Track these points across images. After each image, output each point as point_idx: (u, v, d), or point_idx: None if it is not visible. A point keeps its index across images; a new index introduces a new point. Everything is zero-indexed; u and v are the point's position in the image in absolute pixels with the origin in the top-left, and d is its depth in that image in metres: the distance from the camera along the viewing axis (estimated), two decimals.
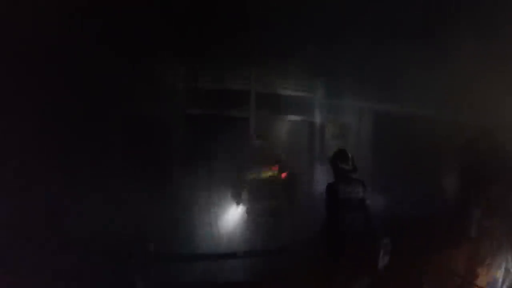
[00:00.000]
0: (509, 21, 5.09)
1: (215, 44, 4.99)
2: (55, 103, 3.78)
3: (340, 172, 4.04)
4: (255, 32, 5.04)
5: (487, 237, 4.18)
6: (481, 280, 3.80)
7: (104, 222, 3.70)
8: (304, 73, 6.34)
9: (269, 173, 5.46)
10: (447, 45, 5.59)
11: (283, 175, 5.56)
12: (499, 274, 3.89)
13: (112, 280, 3.09)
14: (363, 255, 3.86)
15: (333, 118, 6.65)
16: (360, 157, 6.38)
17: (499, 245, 4.11)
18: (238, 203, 5.22)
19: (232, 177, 5.31)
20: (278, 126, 6.19)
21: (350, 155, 4.16)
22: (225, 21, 5.03)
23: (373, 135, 6.60)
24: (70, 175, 3.86)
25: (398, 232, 4.10)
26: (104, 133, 4.33)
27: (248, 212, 5.14)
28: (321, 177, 5.37)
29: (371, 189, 5.57)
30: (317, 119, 6.57)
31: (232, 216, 5.06)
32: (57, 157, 3.78)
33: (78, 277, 3.05)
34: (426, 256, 4.09)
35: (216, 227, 4.77)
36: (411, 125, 5.99)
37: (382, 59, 5.71)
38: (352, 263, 3.81)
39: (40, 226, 3.30)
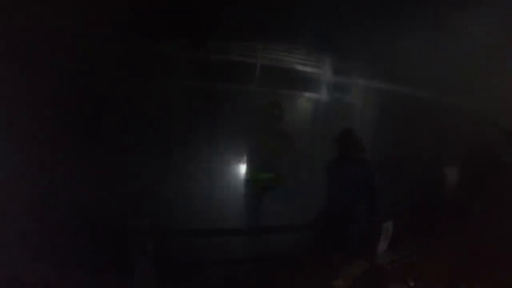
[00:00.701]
0: None
1: (220, 16, 4.79)
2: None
3: (345, 151, 3.97)
4: (261, 5, 4.85)
5: (486, 230, 4.17)
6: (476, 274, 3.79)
7: (97, 195, 3.66)
8: (311, 48, 6.15)
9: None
10: (457, 24, 5.45)
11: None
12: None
13: (106, 258, 3.04)
14: (362, 238, 3.85)
15: (340, 96, 6.51)
16: (364, 138, 6.40)
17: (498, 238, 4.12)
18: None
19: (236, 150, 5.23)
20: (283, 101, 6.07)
21: (357, 134, 4.09)
22: None
23: (379, 115, 6.49)
24: (61, 145, 3.76)
25: (399, 217, 4.08)
26: (101, 104, 4.21)
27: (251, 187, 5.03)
28: (324, 156, 5.33)
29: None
30: (324, 96, 6.42)
31: (234, 190, 4.98)
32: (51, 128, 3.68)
33: (69, 254, 3.00)
34: (425, 240, 4.09)
35: (217, 201, 4.74)
36: (418, 108, 5.91)
37: (391, 35, 5.53)
38: (350, 245, 3.80)
39: (30, 201, 3.28)
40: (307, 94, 6.35)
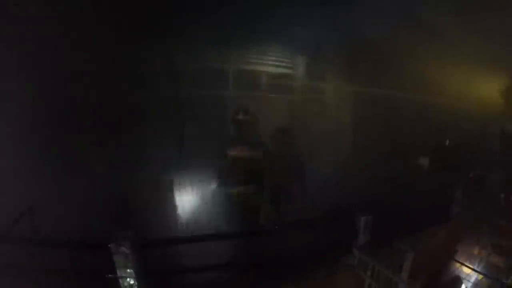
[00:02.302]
0: None
1: (193, 22, 4.85)
2: None
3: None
4: (234, 8, 4.93)
5: (467, 216, 4.29)
6: (460, 256, 3.89)
7: (82, 208, 3.63)
8: (283, 50, 6.24)
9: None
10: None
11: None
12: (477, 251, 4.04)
13: (91, 270, 3.01)
14: None
15: (313, 96, 6.58)
16: (341, 135, 6.48)
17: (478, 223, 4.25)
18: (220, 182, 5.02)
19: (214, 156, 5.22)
20: (257, 104, 6.09)
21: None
22: None
23: (354, 113, 6.58)
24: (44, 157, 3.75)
25: (380, 210, 4.14)
26: (83, 115, 4.18)
27: (230, 191, 5.02)
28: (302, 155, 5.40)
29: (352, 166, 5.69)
30: (297, 96, 6.48)
31: (215, 196, 4.95)
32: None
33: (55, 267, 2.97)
34: (408, 233, 4.15)
35: (198, 208, 4.71)
36: (393, 105, 6.04)
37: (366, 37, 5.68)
38: None
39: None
40: (281, 96, 6.38)
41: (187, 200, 4.79)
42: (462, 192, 4.69)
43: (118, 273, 2.92)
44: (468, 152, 5.33)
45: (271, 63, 6.17)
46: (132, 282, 2.93)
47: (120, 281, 2.90)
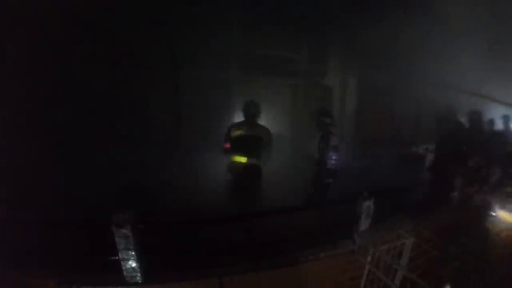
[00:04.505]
0: None
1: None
2: None
3: (323, 125, 4.34)
4: None
5: (467, 204, 4.31)
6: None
7: (80, 190, 3.57)
8: (288, 34, 6.12)
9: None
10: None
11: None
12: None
13: (92, 253, 2.97)
14: None
15: (317, 81, 6.51)
16: (343, 121, 6.47)
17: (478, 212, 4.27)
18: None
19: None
20: (260, 88, 6.02)
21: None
22: None
23: (356, 100, 6.55)
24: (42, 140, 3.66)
25: (380, 195, 4.13)
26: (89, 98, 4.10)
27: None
28: (303, 137, 5.37)
29: (355, 152, 5.71)
30: (300, 81, 6.41)
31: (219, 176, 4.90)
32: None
33: (55, 250, 2.93)
34: (408, 220, 4.16)
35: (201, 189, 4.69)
36: (395, 92, 6.00)
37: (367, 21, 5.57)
38: None
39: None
40: (285, 79, 6.32)
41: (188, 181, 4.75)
42: (463, 180, 4.69)
43: (120, 255, 2.87)
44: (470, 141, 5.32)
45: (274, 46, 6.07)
46: (134, 265, 2.89)
47: (122, 263, 2.86)
